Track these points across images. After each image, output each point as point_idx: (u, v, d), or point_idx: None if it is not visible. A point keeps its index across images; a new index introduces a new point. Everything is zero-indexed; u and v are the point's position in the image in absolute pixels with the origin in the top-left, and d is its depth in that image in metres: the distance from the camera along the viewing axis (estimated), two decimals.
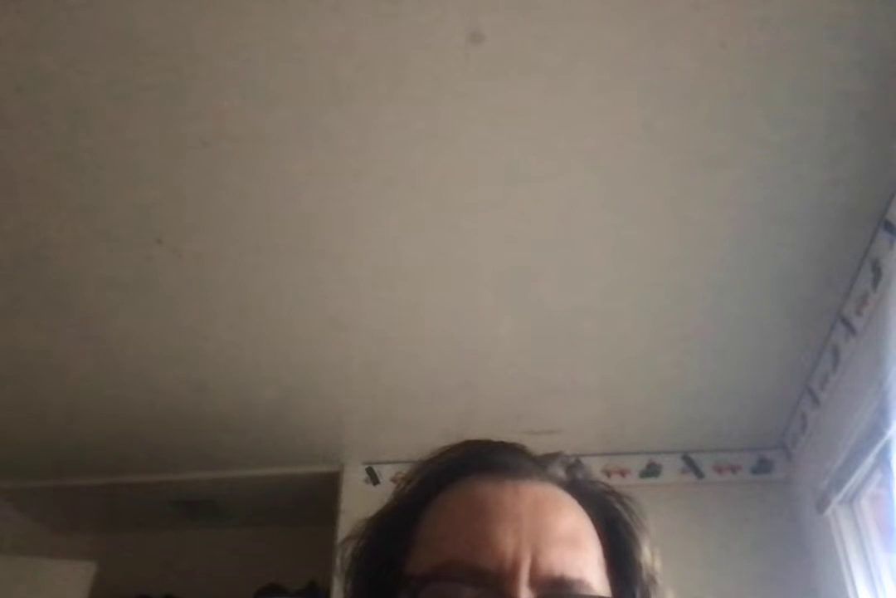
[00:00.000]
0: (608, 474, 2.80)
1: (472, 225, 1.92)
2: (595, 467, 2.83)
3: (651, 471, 2.86)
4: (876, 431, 1.95)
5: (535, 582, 0.55)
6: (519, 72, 1.56)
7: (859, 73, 1.54)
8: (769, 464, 2.84)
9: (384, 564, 0.61)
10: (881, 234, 1.86)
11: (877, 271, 1.90)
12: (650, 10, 1.44)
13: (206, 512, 3.32)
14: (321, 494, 2.96)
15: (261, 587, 3.04)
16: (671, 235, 1.94)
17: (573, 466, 0.68)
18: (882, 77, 1.54)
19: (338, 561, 0.65)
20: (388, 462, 2.93)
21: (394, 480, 2.90)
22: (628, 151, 1.72)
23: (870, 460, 2.06)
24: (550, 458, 0.67)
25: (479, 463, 0.64)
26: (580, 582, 0.57)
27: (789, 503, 2.73)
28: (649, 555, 0.64)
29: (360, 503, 2.81)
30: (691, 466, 2.85)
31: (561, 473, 0.66)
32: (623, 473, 2.83)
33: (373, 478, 2.96)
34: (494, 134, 1.69)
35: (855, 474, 2.15)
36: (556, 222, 1.91)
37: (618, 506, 0.66)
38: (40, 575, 2.87)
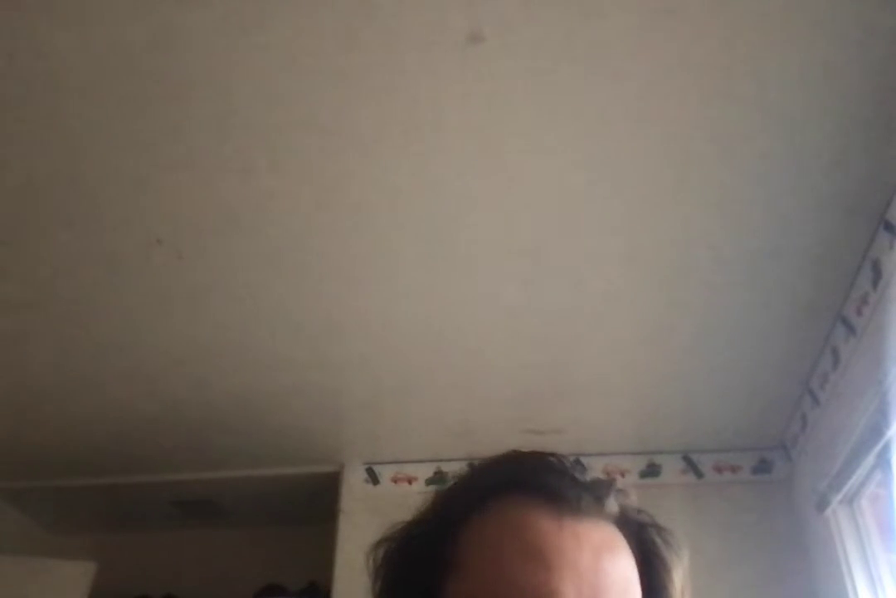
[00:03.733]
0: (608, 474, 2.79)
1: (472, 226, 1.92)
2: (595, 467, 2.82)
3: (651, 471, 2.86)
4: (876, 431, 1.95)
5: None
6: (519, 72, 1.55)
7: (859, 74, 1.54)
8: (769, 464, 2.84)
9: (417, 581, 0.61)
10: (881, 234, 1.86)
11: (877, 271, 1.90)
12: (650, 10, 1.44)
13: (206, 512, 3.32)
14: (321, 494, 2.96)
15: (261, 587, 3.04)
16: (671, 235, 1.94)
17: (620, 493, 0.65)
18: (882, 77, 1.54)
19: (370, 562, 0.64)
20: (388, 462, 2.93)
21: (394, 480, 2.90)
22: (628, 151, 1.72)
23: (870, 460, 2.06)
24: (605, 488, 0.64)
25: (526, 483, 0.61)
26: None
27: (789, 503, 2.73)
28: (680, 589, 0.64)
29: (360, 502, 2.81)
30: (691, 466, 2.85)
31: (615, 507, 0.63)
32: (623, 473, 2.83)
33: (373, 478, 2.96)
34: (494, 134, 1.69)
35: (855, 474, 2.15)
36: (555, 223, 1.91)
37: (657, 539, 0.65)
38: (40, 575, 2.87)
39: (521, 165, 1.76)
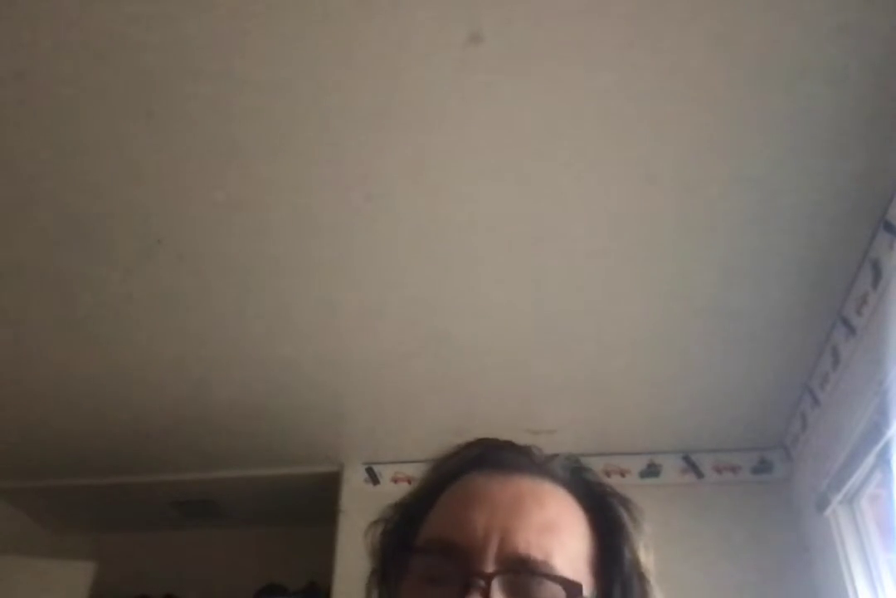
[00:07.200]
0: (608, 474, 2.80)
1: (472, 225, 1.92)
2: (595, 467, 2.83)
3: (651, 471, 2.86)
4: (876, 431, 1.95)
5: (500, 559, 0.62)
6: (519, 72, 1.56)
7: (860, 74, 1.54)
8: (769, 464, 2.84)
9: (401, 544, 0.69)
10: (881, 234, 1.86)
11: (877, 271, 1.90)
12: (651, 10, 1.44)
13: (206, 512, 3.33)
14: (321, 494, 2.96)
15: (261, 587, 3.04)
16: (671, 236, 1.94)
17: (578, 467, 0.73)
18: (882, 77, 1.54)
19: (368, 541, 0.73)
20: (388, 462, 2.93)
21: (394, 480, 2.90)
22: (629, 150, 1.72)
23: (870, 460, 2.05)
24: (552, 457, 0.72)
25: (484, 460, 0.71)
26: (544, 563, 0.62)
27: (789, 503, 2.73)
28: (640, 552, 0.68)
29: (360, 502, 2.81)
30: (691, 466, 2.85)
31: (559, 470, 0.71)
32: (623, 473, 2.83)
33: (373, 478, 2.96)
34: (494, 135, 1.69)
35: (855, 474, 2.15)
36: (555, 223, 1.91)
37: (616, 506, 0.71)
38: (40, 575, 2.87)
39: (521, 165, 1.76)
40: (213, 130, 1.68)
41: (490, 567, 0.61)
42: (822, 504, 2.38)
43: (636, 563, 0.67)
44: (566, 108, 1.63)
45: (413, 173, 1.79)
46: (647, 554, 0.68)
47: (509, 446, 0.73)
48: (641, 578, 0.67)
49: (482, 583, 0.60)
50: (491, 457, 0.71)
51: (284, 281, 2.11)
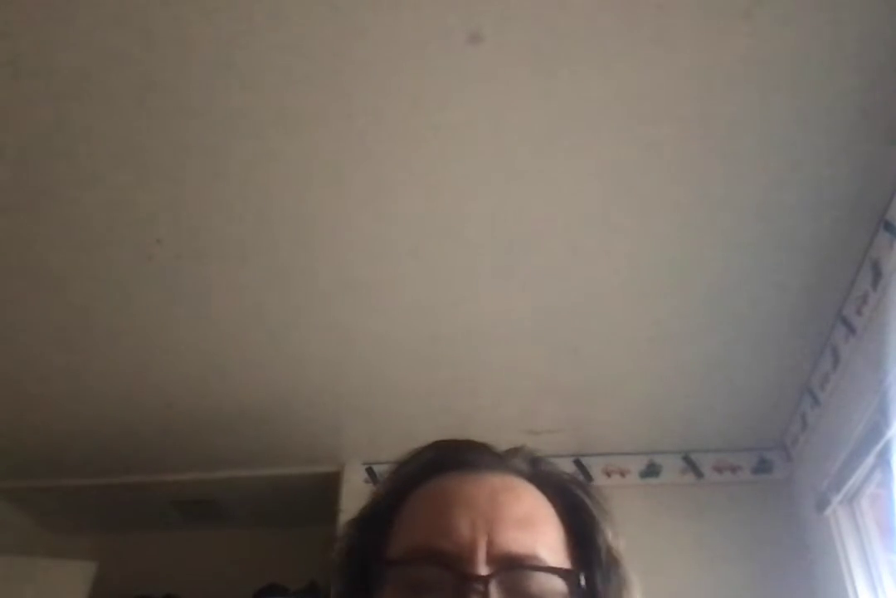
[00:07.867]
0: (608, 474, 2.80)
1: (470, 226, 1.92)
2: (595, 467, 2.84)
3: (651, 471, 2.85)
4: (876, 431, 1.95)
5: (491, 560, 0.61)
6: (519, 73, 1.56)
7: (858, 73, 1.54)
8: (769, 464, 2.84)
9: (367, 558, 0.67)
10: (881, 234, 1.86)
11: (877, 271, 1.90)
12: (651, 11, 1.44)
13: (206, 512, 3.32)
14: (321, 494, 2.96)
15: (261, 587, 3.03)
16: (671, 236, 1.94)
17: (536, 459, 0.73)
18: (881, 76, 1.54)
19: (329, 561, 0.72)
20: (388, 462, 2.87)
21: None
22: (628, 151, 1.72)
23: (870, 460, 2.06)
24: (513, 452, 0.73)
25: (448, 462, 0.71)
26: (533, 557, 0.62)
27: (789, 503, 2.73)
28: (611, 537, 0.68)
29: (360, 503, 2.78)
30: (691, 466, 2.85)
31: (522, 465, 0.71)
32: (623, 473, 2.83)
33: (373, 478, 2.96)
34: (494, 135, 1.69)
35: (855, 474, 2.15)
36: (555, 222, 1.91)
37: (580, 494, 0.71)
38: (40, 575, 2.87)
39: (521, 165, 1.76)
40: (214, 128, 1.68)
41: (484, 570, 0.60)
42: (822, 504, 2.38)
43: (610, 549, 0.67)
44: (566, 108, 1.63)
45: (412, 174, 1.79)
46: (616, 538, 0.69)
47: (466, 445, 0.73)
48: (617, 563, 0.67)
49: (480, 587, 0.59)
50: (453, 458, 0.71)
51: (285, 282, 2.10)
